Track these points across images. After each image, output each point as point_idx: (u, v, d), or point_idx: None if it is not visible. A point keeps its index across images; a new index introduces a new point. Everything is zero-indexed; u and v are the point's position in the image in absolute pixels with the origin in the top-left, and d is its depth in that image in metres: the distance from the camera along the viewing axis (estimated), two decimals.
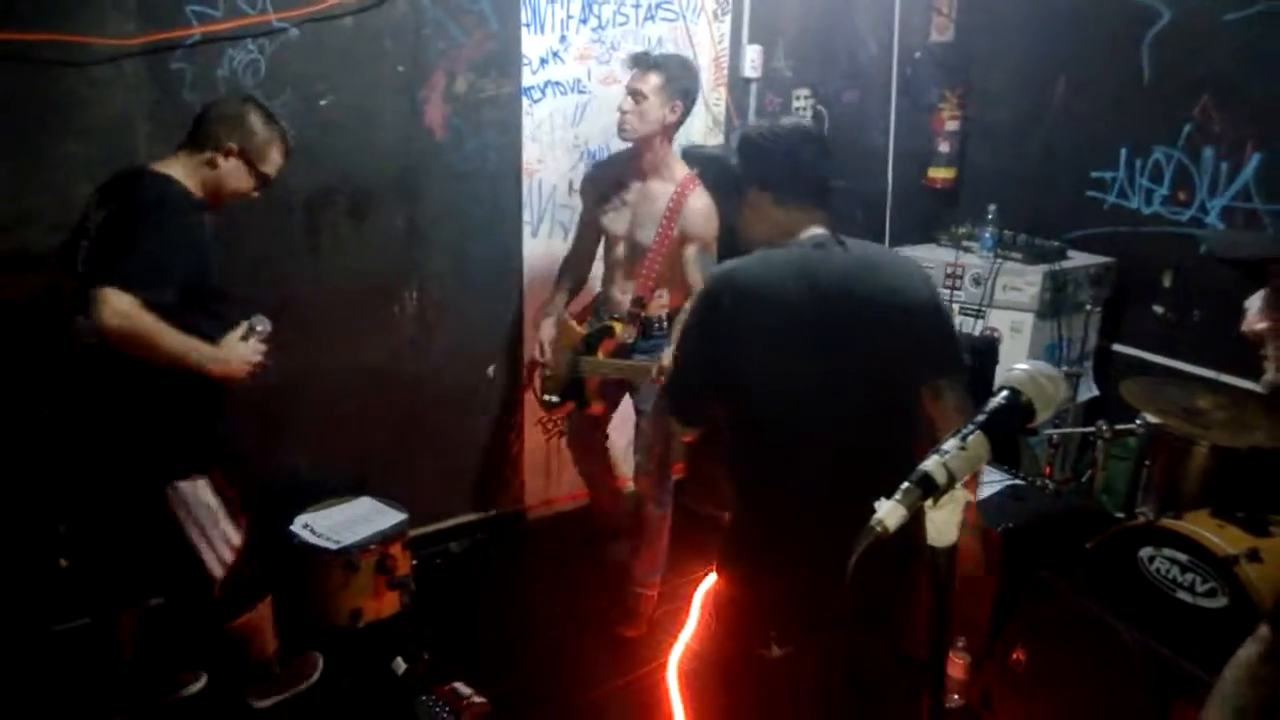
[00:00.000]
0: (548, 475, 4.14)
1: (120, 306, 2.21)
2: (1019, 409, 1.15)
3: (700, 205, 3.07)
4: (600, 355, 3.22)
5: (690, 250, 3.08)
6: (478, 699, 2.86)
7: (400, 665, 3.05)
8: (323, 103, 3.27)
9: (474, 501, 3.98)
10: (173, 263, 2.35)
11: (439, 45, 3.43)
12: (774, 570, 1.89)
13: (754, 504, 1.97)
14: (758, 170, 1.98)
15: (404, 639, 3.16)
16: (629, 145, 3.13)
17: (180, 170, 2.50)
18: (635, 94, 3.01)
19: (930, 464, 1.08)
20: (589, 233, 3.38)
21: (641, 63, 3.05)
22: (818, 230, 1.95)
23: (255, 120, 2.57)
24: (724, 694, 2.10)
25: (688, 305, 2.88)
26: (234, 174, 2.56)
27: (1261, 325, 1.14)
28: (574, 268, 3.45)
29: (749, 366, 1.84)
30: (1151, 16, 3.90)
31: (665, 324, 3.20)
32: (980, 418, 1.13)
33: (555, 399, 3.38)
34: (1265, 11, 3.55)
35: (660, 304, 3.21)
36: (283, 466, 3.44)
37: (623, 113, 3.04)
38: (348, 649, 3.16)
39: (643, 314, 3.18)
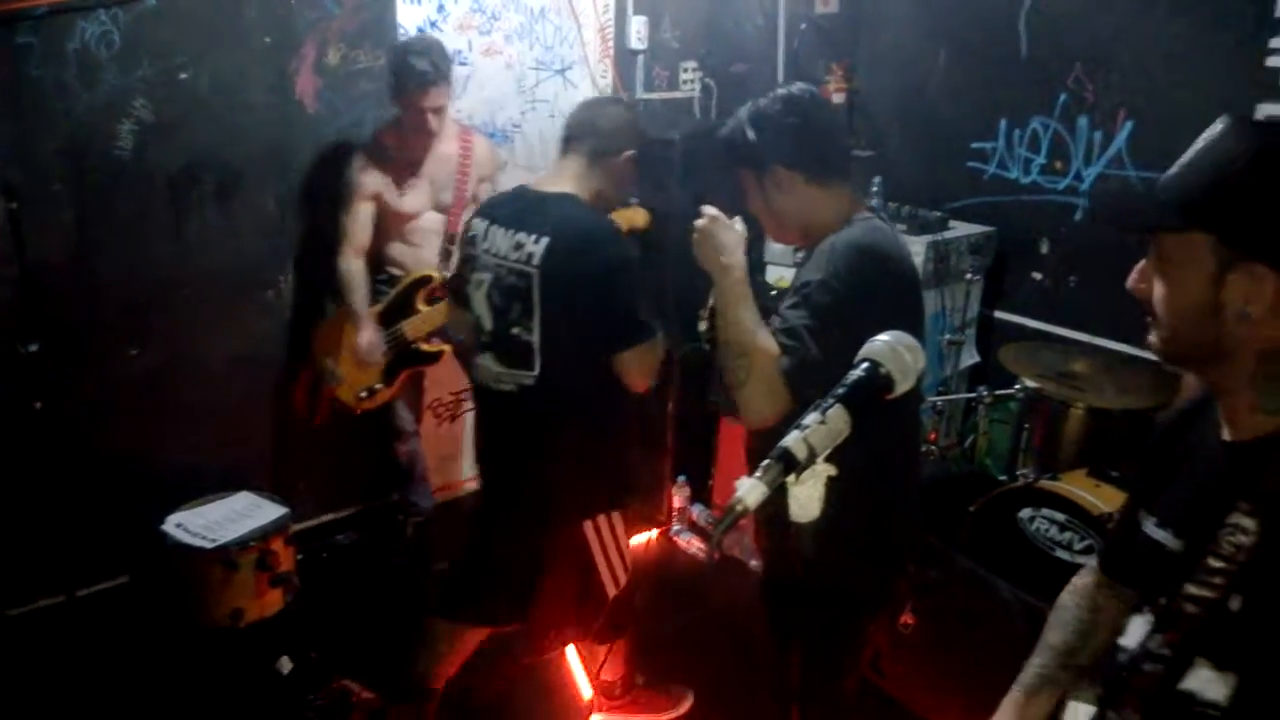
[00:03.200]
0: (445, 460, 4.04)
1: None
2: (878, 380, 1.13)
3: (485, 146, 3.38)
4: (422, 306, 3.24)
5: (484, 187, 3.32)
6: (367, 695, 2.78)
7: (286, 665, 2.94)
8: (183, 76, 3.11)
9: (362, 492, 3.87)
10: None
11: (308, 15, 3.29)
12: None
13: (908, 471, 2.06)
14: (787, 148, 1.84)
15: (289, 637, 3.05)
16: (391, 121, 3.23)
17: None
18: (437, 111, 3.09)
19: (791, 439, 1.06)
20: (367, 222, 3.27)
21: (429, 81, 3.04)
22: (864, 210, 1.89)
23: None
24: None
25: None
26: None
27: (1141, 285, 1.16)
28: (361, 267, 3.30)
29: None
30: None
31: None
32: (840, 390, 1.11)
33: (378, 385, 3.32)
34: None
35: None
36: (153, 462, 3.28)
37: (434, 133, 3.14)
38: (230, 650, 3.03)
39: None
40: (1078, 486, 2.87)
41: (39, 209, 2.88)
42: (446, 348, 3.36)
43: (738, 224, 1.87)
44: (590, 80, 4.05)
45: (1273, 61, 3.33)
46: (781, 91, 1.89)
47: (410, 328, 3.25)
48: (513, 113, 3.88)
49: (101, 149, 3.02)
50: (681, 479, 3.94)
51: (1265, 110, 3.36)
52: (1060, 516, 2.85)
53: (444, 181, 3.26)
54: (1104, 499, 2.79)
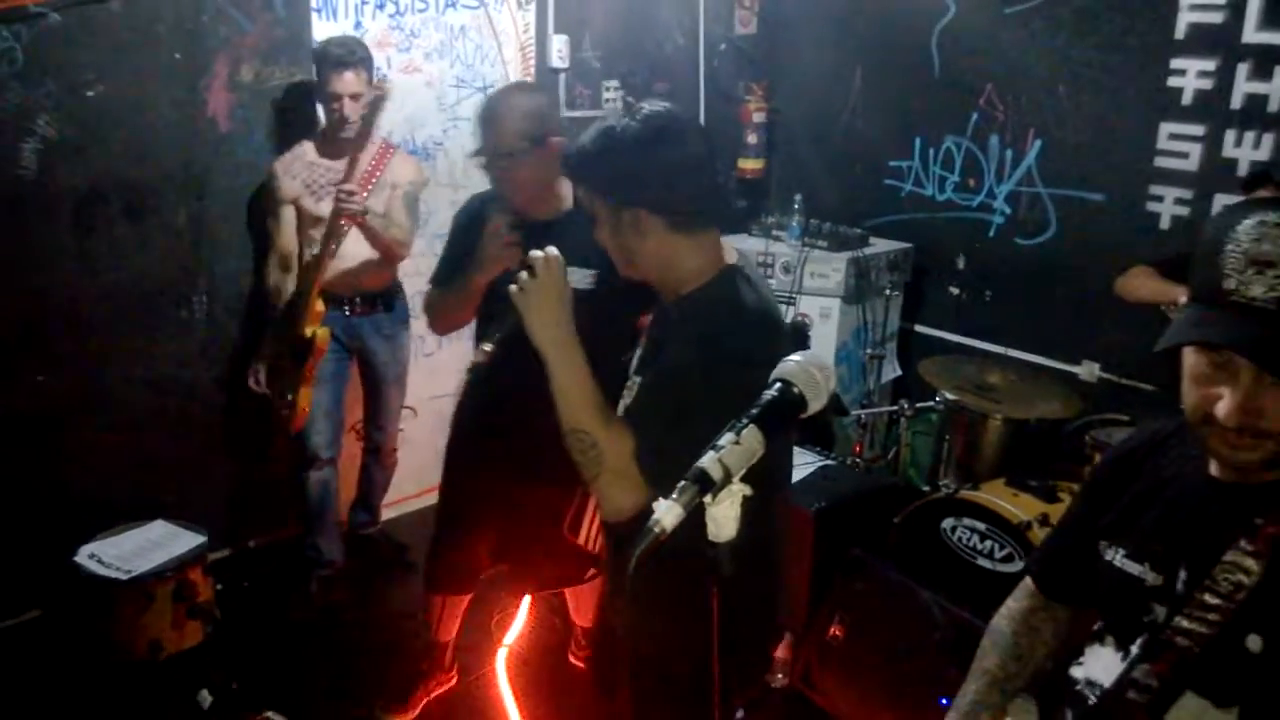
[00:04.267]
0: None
1: None
2: (791, 400, 1.14)
3: (407, 159, 3.38)
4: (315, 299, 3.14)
5: (397, 195, 3.24)
6: None
7: (206, 698, 2.84)
8: (90, 94, 3.02)
9: (284, 517, 3.77)
10: None
11: (220, 31, 3.23)
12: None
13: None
14: (652, 187, 1.51)
15: (209, 669, 2.95)
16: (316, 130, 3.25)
17: None
18: (353, 96, 3.08)
19: (706, 460, 1.06)
20: (290, 229, 3.25)
21: (344, 63, 3.07)
22: (733, 257, 1.63)
23: None
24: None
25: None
26: None
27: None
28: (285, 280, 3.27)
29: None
30: (940, 9, 4.09)
31: None
32: (754, 410, 1.11)
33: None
34: (1041, 4, 3.78)
35: None
36: (63, 491, 3.16)
37: (348, 119, 3.09)
38: (148, 684, 2.92)
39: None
40: (997, 496, 2.93)
41: None
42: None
43: (581, 276, 1.68)
44: None
45: (1174, 81, 3.47)
46: (647, 110, 1.55)
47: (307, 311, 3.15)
48: (434, 130, 3.85)
49: (3, 168, 2.91)
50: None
51: (1168, 129, 3.51)
52: (981, 525, 2.91)
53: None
54: (1022, 507, 2.86)
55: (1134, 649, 1.23)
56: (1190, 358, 1.12)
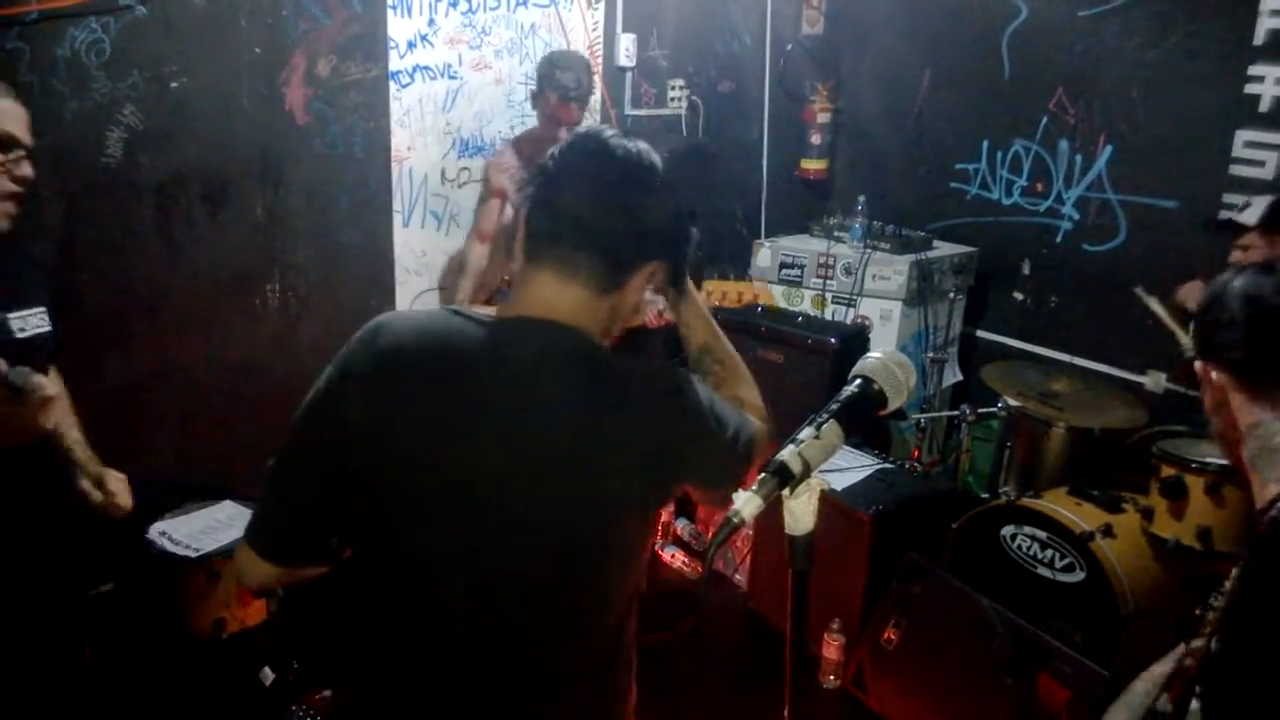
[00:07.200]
0: None
1: None
2: (871, 397, 1.15)
3: None
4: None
5: None
6: None
7: (268, 675, 2.92)
8: (174, 85, 3.11)
9: None
10: None
11: (299, 26, 3.30)
12: None
13: None
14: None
15: (272, 648, 3.02)
16: (537, 126, 3.31)
17: None
18: (570, 127, 3.15)
19: (786, 453, 1.07)
20: (493, 215, 3.41)
21: (570, 99, 3.21)
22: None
23: None
24: None
25: None
26: None
27: None
28: (481, 252, 3.43)
29: None
30: (1011, 12, 4.04)
31: None
32: (834, 406, 1.12)
33: None
34: (1117, 7, 3.71)
35: None
36: (136, 470, 3.25)
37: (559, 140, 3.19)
38: (212, 661, 3.00)
39: None
40: (1059, 505, 2.90)
41: (26, 215, 2.86)
42: None
43: None
44: None
45: (1252, 88, 3.39)
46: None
47: None
48: (502, 126, 3.90)
49: (90, 156, 3.01)
50: None
51: (1244, 136, 3.43)
52: (1042, 534, 2.88)
53: None
54: (1085, 517, 2.83)
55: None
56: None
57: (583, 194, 1.18)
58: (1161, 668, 1.50)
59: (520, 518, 1.14)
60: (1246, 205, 2.89)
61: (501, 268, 3.46)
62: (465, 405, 1.15)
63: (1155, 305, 3.19)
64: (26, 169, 1.75)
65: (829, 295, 4.06)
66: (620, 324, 1.27)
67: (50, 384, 1.72)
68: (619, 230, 1.18)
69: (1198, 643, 1.14)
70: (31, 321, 1.82)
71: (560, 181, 1.20)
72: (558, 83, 3.14)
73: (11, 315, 1.76)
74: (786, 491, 1.07)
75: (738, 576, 3.50)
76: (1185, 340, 3.11)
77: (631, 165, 1.21)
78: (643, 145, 1.24)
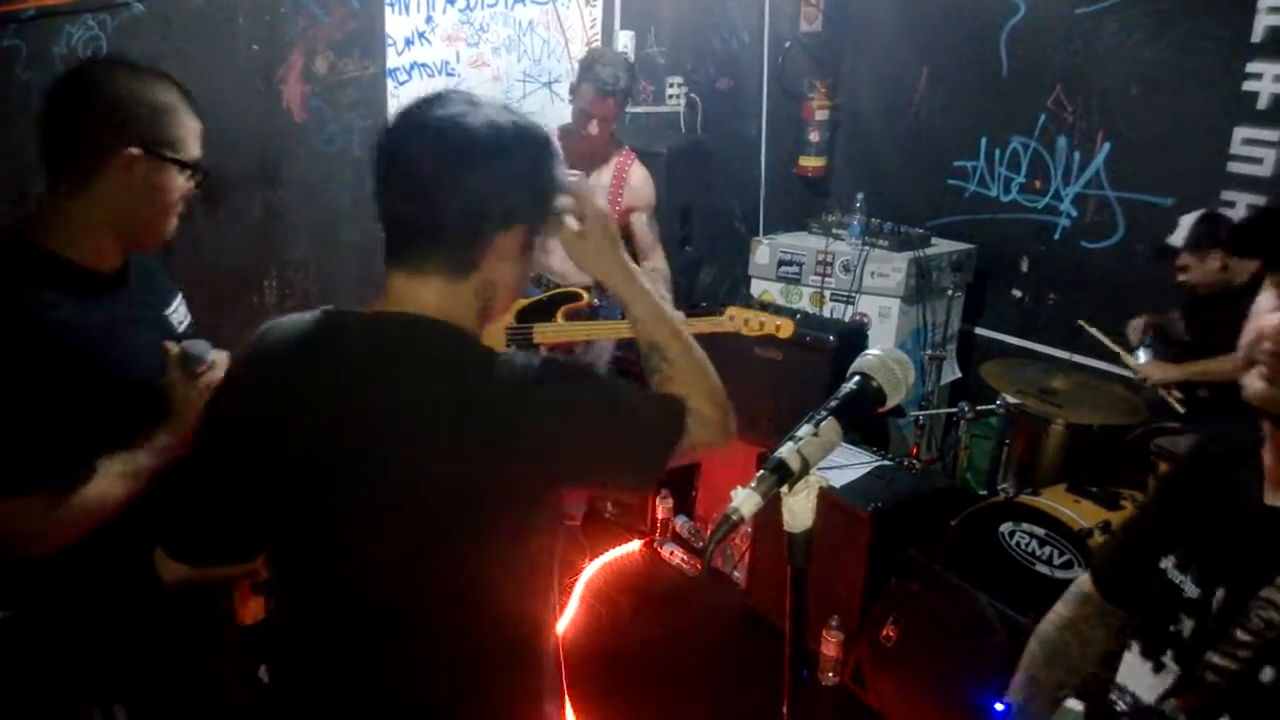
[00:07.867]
0: None
1: None
2: (869, 394, 1.15)
3: (640, 176, 3.34)
4: (560, 320, 3.21)
5: (639, 217, 3.32)
6: None
7: (265, 674, 2.91)
8: None
9: None
10: None
11: (297, 23, 3.29)
12: None
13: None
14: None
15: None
16: (567, 124, 3.25)
17: None
18: (602, 120, 3.15)
19: (784, 450, 1.07)
20: None
21: (607, 92, 3.14)
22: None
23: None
24: None
25: None
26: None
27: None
28: None
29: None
30: (1010, 9, 4.05)
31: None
32: (832, 403, 1.12)
33: None
34: (1115, 4, 3.72)
35: None
36: None
37: (593, 136, 3.17)
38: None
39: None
40: (1058, 501, 2.90)
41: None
42: None
43: None
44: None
45: (1250, 85, 3.40)
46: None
47: (539, 332, 3.19)
48: None
49: None
50: (665, 491, 3.95)
51: (1242, 133, 3.43)
52: (1040, 531, 2.88)
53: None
54: (1083, 514, 2.83)
55: (1166, 661, 1.22)
56: (1265, 293, 1.13)
57: (402, 181, 1.14)
58: (1071, 611, 1.49)
59: (361, 521, 1.14)
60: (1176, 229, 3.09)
61: None
62: (303, 405, 1.15)
63: (1100, 335, 3.48)
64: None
65: (827, 292, 4.06)
66: (505, 299, 1.22)
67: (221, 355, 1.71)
68: (448, 206, 1.12)
69: (1224, 661, 1.12)
70: (181, 312, 1.84)
71: (381, 173, 1.16)
72: (596, 76, 3.12)
73: (168, 311, 1.78)
74: (785, 488, 1.07)
75: (736, 574, 3.50)
76: (1132, 362, 3.36)
77: (447, 134, 1.12)
78: (462, 107, 1.14)
